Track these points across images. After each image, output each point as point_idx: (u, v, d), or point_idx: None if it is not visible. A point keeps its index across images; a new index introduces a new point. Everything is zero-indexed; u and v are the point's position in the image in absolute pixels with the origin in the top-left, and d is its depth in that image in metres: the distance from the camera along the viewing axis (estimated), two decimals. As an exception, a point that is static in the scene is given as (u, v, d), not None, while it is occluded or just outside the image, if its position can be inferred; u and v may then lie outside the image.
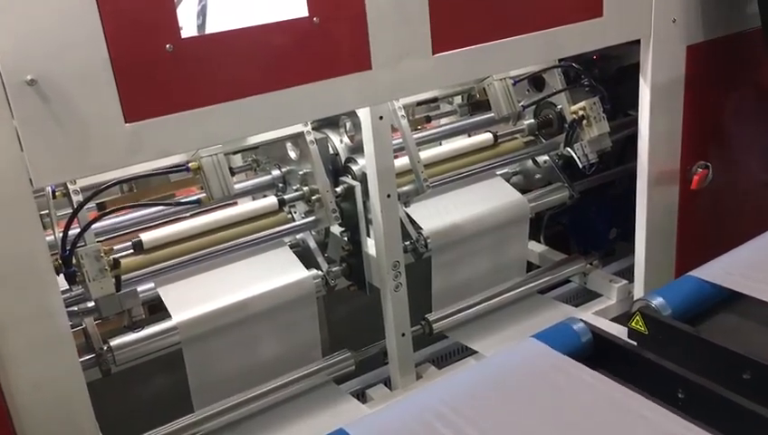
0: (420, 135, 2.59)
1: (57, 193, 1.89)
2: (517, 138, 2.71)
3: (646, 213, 2.45)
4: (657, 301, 1.75)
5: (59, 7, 1.40)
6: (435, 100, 2.76)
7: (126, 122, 1.51)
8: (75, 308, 1.91)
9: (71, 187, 1.89)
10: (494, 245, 2.61)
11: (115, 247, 1.96)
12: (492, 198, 2.59)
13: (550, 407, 1.47)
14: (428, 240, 2.40)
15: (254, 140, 2.15)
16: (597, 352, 1.66)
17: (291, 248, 2.25)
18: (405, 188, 2.33)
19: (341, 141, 2.34)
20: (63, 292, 1.77)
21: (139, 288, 1.99)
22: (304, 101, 1.73)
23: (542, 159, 2.82)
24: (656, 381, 1.53)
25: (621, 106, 2.85)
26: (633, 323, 1.73)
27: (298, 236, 2.30)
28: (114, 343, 1.97)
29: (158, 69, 1.53)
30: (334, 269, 2.27)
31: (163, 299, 2.04)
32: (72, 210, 1.84)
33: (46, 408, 1.61)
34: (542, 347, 1.63)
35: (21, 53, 1.38)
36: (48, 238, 1.63)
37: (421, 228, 2.41)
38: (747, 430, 1.38)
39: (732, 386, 1.45)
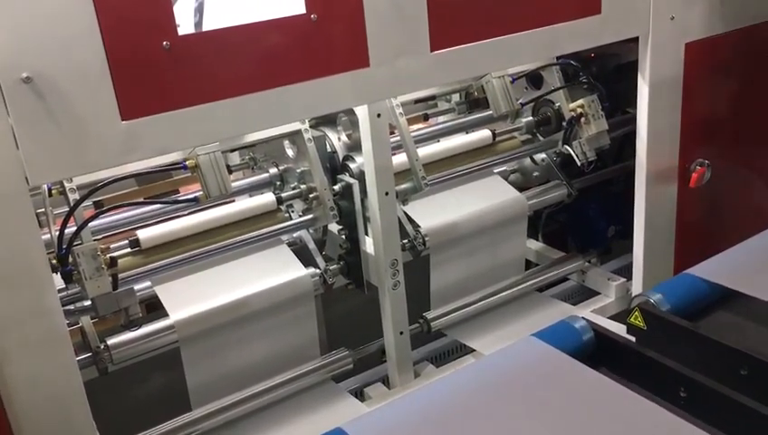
0: (418, 133, 2.58)
1: (53, 191, 1.88)
2: (515, 136, 2.70)
3: (644, 211, 2.44)
4: (656, 297, 1.75)
5: (55, 4, 1.39)
6: (433, 97, 2.76)
7: (122, 120, 1.50)
8: (72, 307, 1.90)
9: (67, 185, 1.88)
10: (493, 243, 2.60)
11: (112, 246, 1.96)
12: (490, 196, 2.58)
13: (551, 406, 1.46)
14: (426, 238, 2.39)
15: (252, 137, 2.14)
16: (598, 351, 1.65)
17: (288, 246, 2.24)
18: (403, 186, 2.32)
19: (339, 139, 2.34)
20: (60, 290, 1.76)
21: (137, 287, 1.98)
22: (302, 98, 1.72)
23: (540, 156, 2.81)
24: (658, 380, 1.52)
25: (620, 104, 2.84)
26: (632, 319, 1.73)
27: (296, 235, 2.29)
28: (111, 341, 1.97)
29: (155, 66, 1.52)
30: (332, 267, 2.26)
31: (160, 297, 2.03)
32: (68, 208, 1.83)
33: (43, 407, 1.60)
34: (542, 346, 1.61)
35: (16, 51, 1.37)
36: (44, 237, 1.63)
37: (419, 226, 2.40)
38: (749, 429, 1.37)
39: (729, 382, 1.45)
